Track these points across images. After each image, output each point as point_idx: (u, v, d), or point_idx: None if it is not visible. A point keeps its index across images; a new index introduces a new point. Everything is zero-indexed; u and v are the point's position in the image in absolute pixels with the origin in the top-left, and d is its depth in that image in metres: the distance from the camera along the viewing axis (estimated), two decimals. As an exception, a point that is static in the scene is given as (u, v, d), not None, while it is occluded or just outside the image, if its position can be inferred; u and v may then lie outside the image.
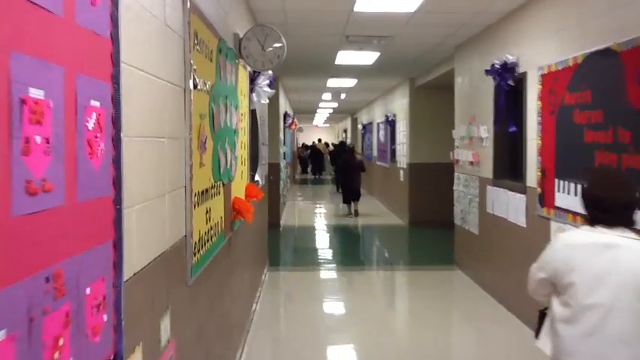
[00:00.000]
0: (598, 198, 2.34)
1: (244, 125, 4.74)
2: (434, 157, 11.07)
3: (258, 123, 5.80)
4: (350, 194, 13.05)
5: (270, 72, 5.43)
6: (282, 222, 11.86)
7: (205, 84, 2.95)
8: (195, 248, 2.66)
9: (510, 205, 5.68)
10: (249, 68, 5.02)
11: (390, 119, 13.45)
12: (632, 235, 2.27)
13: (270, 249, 8.26)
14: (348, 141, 26.56)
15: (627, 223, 2.29)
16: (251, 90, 5.34)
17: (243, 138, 4.68)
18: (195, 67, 2.69)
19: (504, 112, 5.82)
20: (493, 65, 5.77)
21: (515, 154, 5.92)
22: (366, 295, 6.72)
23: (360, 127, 21.24)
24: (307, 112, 24.13)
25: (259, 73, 5.42)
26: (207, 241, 2.98)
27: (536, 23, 5.18)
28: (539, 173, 4.97)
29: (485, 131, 6.41)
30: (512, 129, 5.66)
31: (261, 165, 6.12)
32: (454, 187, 7.83)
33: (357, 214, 13.06)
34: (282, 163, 12.47)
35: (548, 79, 4.78)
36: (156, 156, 2.09)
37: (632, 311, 2.20)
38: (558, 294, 2.38)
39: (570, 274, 2.29)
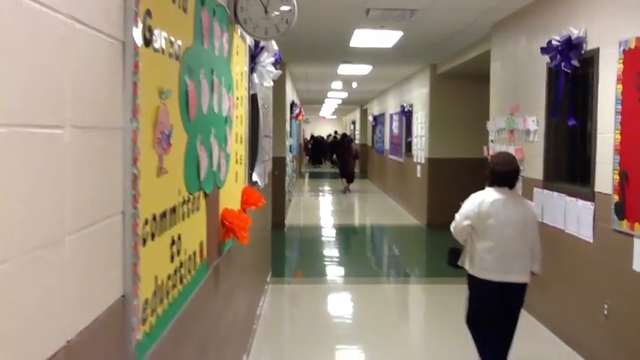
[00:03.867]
0: (497, 169, 3.69)
1: (241, 113, 3.68)
2: (456, 151, 9.99)
3: (260, 111, 4.74)
4: (346, 175, 17.14)
5: (275, 46, 4.36)
6: (287, 221, 10.81)
7: (173, 43, 1.89)
8: (146, 310, 1.61)
9: (569, 214, 4.61)
10: (248, 40, 3.95)
11: (405, 110, 12.35)
12: (515, 192, 3.79)
13: (273, 254, 7.22)
14: (357, 133, 25.66)
15: (511, 186, 3.69)
16: (251, 70, 4.27)
17: (240, 129, 3.63)
18: (150, 9, 1.63)
19: (563, 100, 4.73)
20: (550, 42, 4.67)
21: (576, 151, 4.84)
22: (382, 314, 5.65)
23: (370, 118, 20.15)
24: (314, 103, 23.05)
25: (262, 48, 4.35)
26: (174, 286, 1.93)
27: (612, -14, 4.08)
28: (617, 177, 3.88)
29: (534, 123, 5.32)
30: (572, 122, 4.58)
31: (262, 162, 5.05)
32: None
33: (349, 190, 16.87)
34: (289, 157, 11.41)
35: (635, 57, 3.69)
36: (35, 163, 1.04)
37: (523, 238, 3.62)
38: (478, 234, 3.63)
39: (488, 219, 3.58)
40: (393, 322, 5.45)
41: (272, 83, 4.53)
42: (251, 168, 4.47)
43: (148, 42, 1.63)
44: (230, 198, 3.15)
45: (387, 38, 7.55)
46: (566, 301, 4.69)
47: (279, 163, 9.94)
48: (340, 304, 6.17)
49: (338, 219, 12.41)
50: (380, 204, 14.43)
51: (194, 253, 2.24)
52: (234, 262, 3.50)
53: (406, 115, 12.41)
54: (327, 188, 18.71)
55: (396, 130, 14.29)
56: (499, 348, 3.70)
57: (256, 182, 4.67)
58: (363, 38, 7.56)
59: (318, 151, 30.67)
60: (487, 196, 3.65)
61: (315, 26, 7.10)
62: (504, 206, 3.58)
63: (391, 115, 15.04)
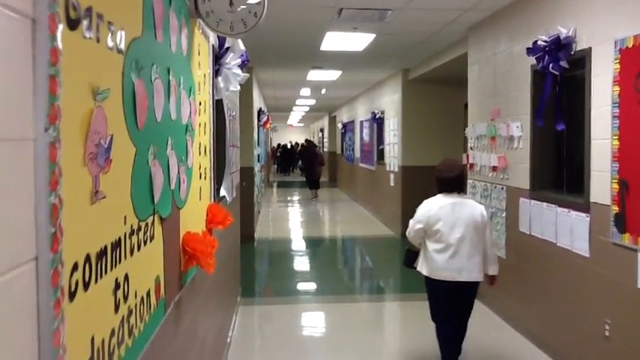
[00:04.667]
0: (443, 177, 3.99)
1: (205, 120, 3.27)
2: (431, 159, 9.62)
3: (227, 119, 4.32)
4: (312, 183, 17.20)
5: (241, 46, 3.96)
6: (256, 234, 10.35)
7: (113, 31, 1.47)
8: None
9: (561, 226, 4.31)
10: (212, 38, 3.54)
11: (377, 117, 12.06)
12: (465, 196, 4.12)
13: (242, 271, 6.77)
14: (325, 141, 25.44)
15: (459, 190, 4.01)
16: (216, 72, 3.86)
17: (203, 139, 3.21)
18: (76, -17, 1.21)
19: (549, 104, 4.45)
20: (536, 43, 4.39)
21: (565, 158, 4.56)
22: (359, 334, 5.25)
23: (339, 126, 19.84)
24: (282, 110, 22.64)
25: (227, 48, 3.94)
26: (120, 343, 1.50)
27: (604, -18, 3.81)
28: (616, 186, 3.59)
29: (518, 129, 5.04)
30: (561, 126, 4.29)
31: (230, 174, 4.63)
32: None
33: (316, 196, 16.97)
34: (257, 167, 10.97)
35: (634, 56, 3.41)
36: None
37: (472, 239, 3.89)
38: (430, 237, 3.93)
39: (438, 223, 3.88)
40: (371, 342, 5.06)
41: (239, 87, 4.12)
42: (218, 182, 4.05)
43: (74, 24, 1.21)
44: (193, 219, 2.73)
45: (358, 41, 7.21)
46: (561, 320, 4.38)
47: (247, 174, 9.50)
48: (314, 324, 5.75)
49: (309, 230, 11.99)
50: (351, 213, 14.09)
51: (148, 293, 1.82)
52: (199, 290, 3.06)
53: (377, 122, 12.11)
54: (296, 197, 18.30)
55: (366, 138, 13.99)
56: (456, 341, 4.07)
57: (224, 197, 4.24)
58: (335, 41, 7.21)
59: (287, 159, 30.59)
60: (437, 202, 3.96)
61: (285, 28, 6.72)
62: (452, 210, 3.89)
63: (361, 122, 14.74)
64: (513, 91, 5.20)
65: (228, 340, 4.80)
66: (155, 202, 1.91)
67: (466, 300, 4.00)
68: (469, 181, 6.38)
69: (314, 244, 10.35)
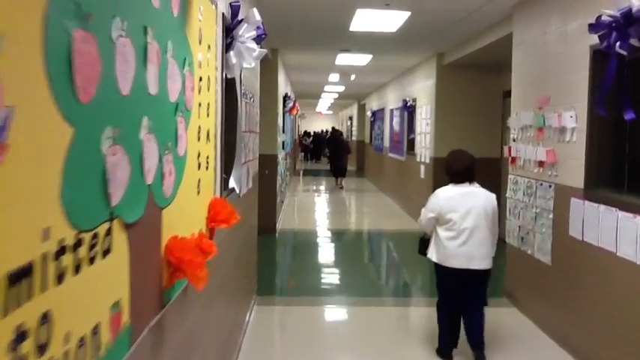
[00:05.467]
0: (454, 168, 4.01)
1: (209, 100, 2.77)
2: (470, 151, 9.06)
3: (242, 101, 3.81)
4: (338, 171, 16.93)
5: (257, 17, 3.44)
6: (279, 225, 9.89)
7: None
8: None
9: (624, 233, 3.70)
10: (221, 4, 3.03)
11: (408, 104, 11.43)
12: (476, 185, 4.01)
13: (261, 266, 6.31)
14: (354, 129, 25.00)
15: (470, 180, 3.99)
16: (227, 46, 3.36)
17: (207, 122, 2.71)
18: None
19: (614, 90, 3.82)
20: (600, 18, 3.76)
21: (631, 153, 3.94)
22: (386, 343, 4.73)
23: (368, 114, 19.21)
24: (310, 97, 22.11)
25: (239, 20, 3.43)
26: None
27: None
28: (700, 189, 2.98)
29: (572, 119, 4.42)
30: (630, 115, 3.67)
31: (244, 163, 4.14)
32: (507, 195, 5.85)
33: (342, 187, 16.52)
34: (281, 155, 10.48)
35: None
36: None
37: (484, 227, 3.91)
38: (442, 225, 3.96)
39: (450, 212, 3.91)
40: (397, 350, 4.54)
41: (253, 64, 3.60)
42: (227, 172, 3.56)
43: None
44: (185, 220, 2.23)
45: (391, 20, 6.62)
46: (617, 340, 3.79)
47: (269, 162, 9.03)
48: (334, 329, 5.25)
49: (335, 222, 11.48)
50: (379, 205, 13.53)
51: (95, 330, 1.32)
52: (196, 299, 2.58)
53: (408, 110, 11.49)
54: (322, 187, 17.80)
55: (396, 127, 13.38)
56: (470, 332, 4.11)
57: (233, 190, 3.75)
58: (365, 20, 6.63)
59: (318, 146, 30.48)
60: (448, 191, 4.00)
61: (311, 6, 6.18)
62: (463, 199, 3.93)
63: (391, 111, 14.12)
64: (567, 75, 4.58)
65: (239, 344, 4.34)
66: (113, 203, 1.41)
67: (476, 289, 4.04)
68: (510, 177, 5.78)
69: (338, 237, 9.84)
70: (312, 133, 33.93)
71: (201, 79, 2.53)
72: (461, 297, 4.04)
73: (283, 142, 11.00)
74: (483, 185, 4.58)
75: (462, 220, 3.88)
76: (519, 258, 5.49)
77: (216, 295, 3.34)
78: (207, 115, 2.71)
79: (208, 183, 2.78)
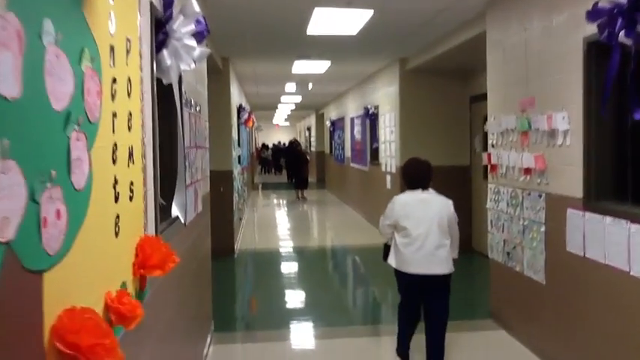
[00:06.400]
0: (407, 174, 4.13)
1: (132, 109, 2.10)
2: (434, 159, 8.47)
3: (180, 111, 3.14)
4: (299, 183, 16.47)
5: (196, 8, 2.79)
6: (237, 245, 9.17)
7: None
8: None
9: (638, 249, 3.19)
10: (144, -13, 2.37)
11: (370, 112, 10.92)
12: (430, 191, 4.05)
13: (218, 295, 5.60)
14: (312, 140, 24.54)
15: (423, 187, 4.04)
16: (160, 45, 2.70)
17: (130, 138, 2.04)
18: None
19: (616, 88, 3.32)
20: (596, 6, 3.25)
21: (632, 158, 3.44)
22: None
23: (327, 123, 18.69)
24: (266, 109, 21.46)
25: (173, 10, 2.79)
26: None
27: None
28: None
29: (565, 120, 3.91)
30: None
31: (189, 184, 3.45)
32: (488, 206, 5.33)
33: (305, 198, 16.11)
34: (237, 170, 9.77)
35: None
36: None
37: (437, 233, 3.92)
38: (398, 231, 4.01)
39: (404, 219, 3.96)
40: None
41: (194, 66, 2.94)
42: (166, 199, 2.88)
43: None
44: (89, 279, 1.56)
45: (352, 21, 6.06)
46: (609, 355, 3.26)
47: (224, 178, 8.33)
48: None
49: (298, 239, 10.82)
50: (343, 218, 12.95)
51: None
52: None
53: (370, 117, 10.98)
54: (282, 200, 17.12)
55: (358, 136, 12.86)
56: (429, 342, 4.08)
57: (177, 219, 3.07)
58: (325, 21, 6.04)
59: (278, 158, 29.98)
60: (403, 198, 4.09)
61: (265, 9, 5.56)
62: (418, 206, 3.99)
63: (352, 119, 13.60)
64: (554, 74, 4.08)
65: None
66: None
67: (436, 295, 4.04)
68: (490, 186, 5.27)
69: (302, 255, 9.17)
70: (270, 146, 33.29)
71: (115, 80, 1.86)
72: (420, 302, 4.10)
73: (239, 157, 10.30)
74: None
75: (415, 226, 3.94)
76: (506, 275, 4.97)
77: (162, 346, 2.66)
78: (129, 128, 2.04)
79: (133, 218, 2.11)
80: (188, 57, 2.86)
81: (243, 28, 6.55)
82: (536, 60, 4.36)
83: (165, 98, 2.85)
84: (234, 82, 9.77)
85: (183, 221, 3.09)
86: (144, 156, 2.26)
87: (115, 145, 1.84)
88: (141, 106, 2.25)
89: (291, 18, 6.04)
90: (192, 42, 2.85)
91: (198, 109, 4.24)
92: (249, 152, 16.19)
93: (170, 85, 2.87)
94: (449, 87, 8.74)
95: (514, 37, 4.73)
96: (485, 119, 8.27)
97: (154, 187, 2.51)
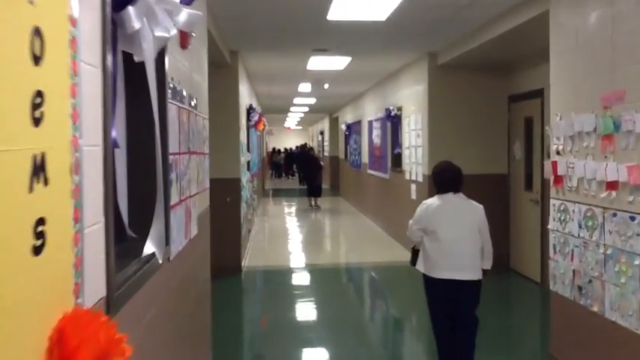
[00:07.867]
0: (438, 177, 4.04)
1: (47, 84, 1.15)
2: (467, 166, 7.50)
3: (159, 100, 2.20)
4: (313, 191, 15.71)
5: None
6: (244, 262, 8.22)
7: None
8: None
9: None
10: None
11: (391, 114, 9.95)
12: (461, 196, 3.97)
13: (220, 327, 4.67)
14: (326, 144, 23.62)
15: (455, 190, 3.95)
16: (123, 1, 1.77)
17: (42, 138, 1.10)
18: None
19: None
20: None
21: None
22: None
23: (343, 127, 17.72)
24: (278, 112, 20.57)
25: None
26: None
27: None
28: None
29: (679, 120, 2.94)
30: None
31: (163, 211, 2.49)
32: (551, 226, 4.35)
33: (318, 207, 15.45)
34: (245, 177, 8.83)
35: None
36: None
37: (468, 239, 3.88)
38: (427, 235, 3.94)
39: (434, 223, 3.89)
40: None
41: (174, 32, 2.00)
42: (136, 229, 1.95)
43: None
44: None
45: (383, 3, 5.11)
46: None
47: (231, 187, 7.42)
48: None
49: (313, 255, 9.78)
50: (361, 230, 11.94)
51: None
52: None
53: (392, 120, 10.02)
54: (295, 208, 16.16)
55: (377, 140, 11.90)
56: (460, 353, 3.91)
57: (153, 253, 2.13)
58: (349, 4, 5.10)
59: (291, 162, 29.41)
60: (434, 202, 3.99)
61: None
62: (448, 210, 3.92)
63: (370, 122, 12.64)
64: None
65: None
66: None
67: (465, 302, 3.90)
68: (554, 202, 4.30)
69: (319, 276, 8.10)
70: (282, 150, 32.50)
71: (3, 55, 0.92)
72: (450, 309, 3.93)
73: (248, 163, 9.37)
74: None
75: (445, 230, 3.88)
76: (576, 314, 3.99)
77: None
78: (36, 122, 1.10)
79: (49, 284, 1.17)
80: (167, 20, 1.93)
81: (254, 15, 5.64)
82: (628, 42, 3.38)
83: (131, 80, 1.92)
84: (244, 79, 8.85)
85: (160, 260, 2.14)
86: (74, 170, 1.32)
87: (18, 164, 0.91)
88: (70, 83, 1.31)
89: (310, 4, 5.11)
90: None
91: (193, 103, 3.30)
92: (259, 157, 15.26)
93: (142, 63, 1.93)
94: (484, 85, 7.78)
95: (593, 15, 3.76)
96: (527, 121, 7.37)
97: (106, 219, 1.57)
